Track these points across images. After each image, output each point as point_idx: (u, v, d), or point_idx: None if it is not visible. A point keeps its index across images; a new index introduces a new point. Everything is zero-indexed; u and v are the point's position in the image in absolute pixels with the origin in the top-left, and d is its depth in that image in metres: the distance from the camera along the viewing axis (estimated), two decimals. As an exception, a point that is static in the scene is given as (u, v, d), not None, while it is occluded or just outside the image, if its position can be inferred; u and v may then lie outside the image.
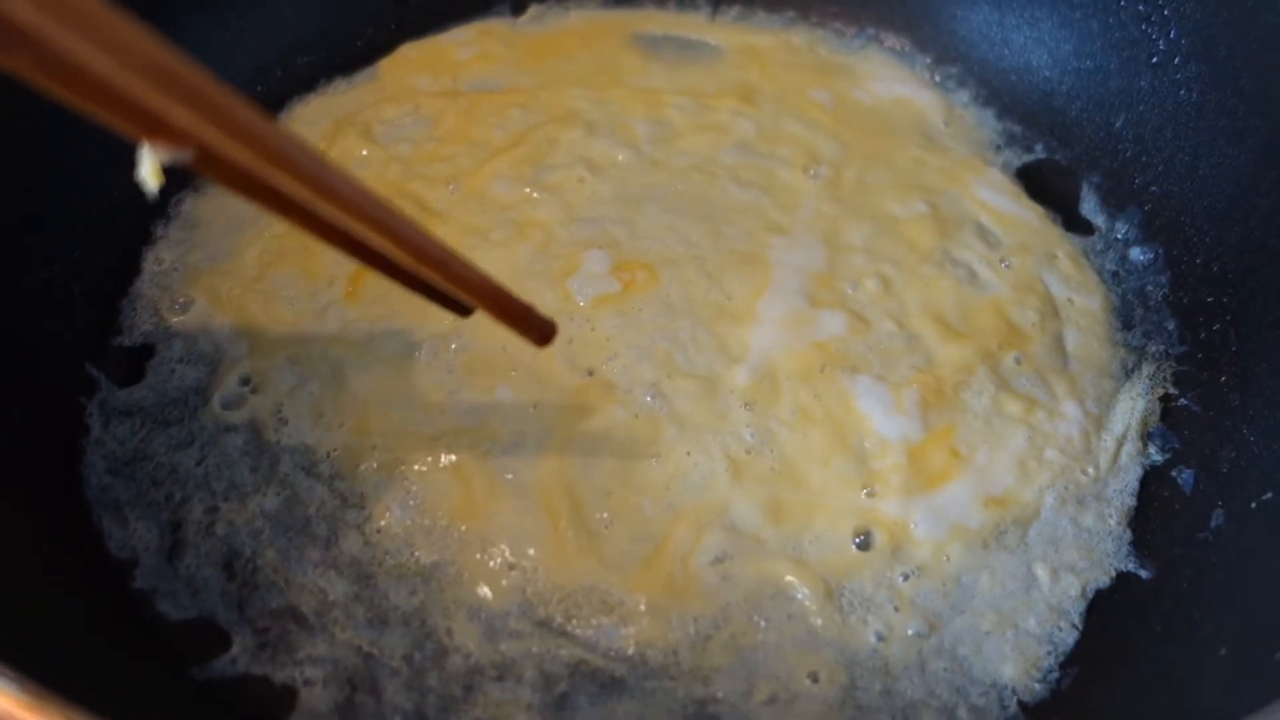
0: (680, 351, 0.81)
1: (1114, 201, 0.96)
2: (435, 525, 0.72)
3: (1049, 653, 0.69)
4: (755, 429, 0.77)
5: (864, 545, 0.72)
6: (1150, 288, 0.90)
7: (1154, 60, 0.93)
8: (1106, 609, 0.72)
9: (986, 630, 0.70)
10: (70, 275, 0.81)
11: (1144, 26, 0.94)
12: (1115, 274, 0.91)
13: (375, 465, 0.74)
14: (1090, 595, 0.72)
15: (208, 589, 0.70)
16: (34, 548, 0.67)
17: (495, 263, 0.86)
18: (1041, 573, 0.72)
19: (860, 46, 1.09)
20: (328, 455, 0.75)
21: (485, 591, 0.70)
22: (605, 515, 0.73)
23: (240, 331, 0.82)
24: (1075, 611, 0.71)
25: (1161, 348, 0.86)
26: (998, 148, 1.01)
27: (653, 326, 0.82)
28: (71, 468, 0.74)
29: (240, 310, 0.83)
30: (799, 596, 0.70)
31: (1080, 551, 0.74)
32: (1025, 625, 0.70)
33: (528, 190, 0.91)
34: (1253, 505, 0.72)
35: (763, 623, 0.69)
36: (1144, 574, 0.73)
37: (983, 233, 0.91)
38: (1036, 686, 0.68)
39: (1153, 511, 0.77)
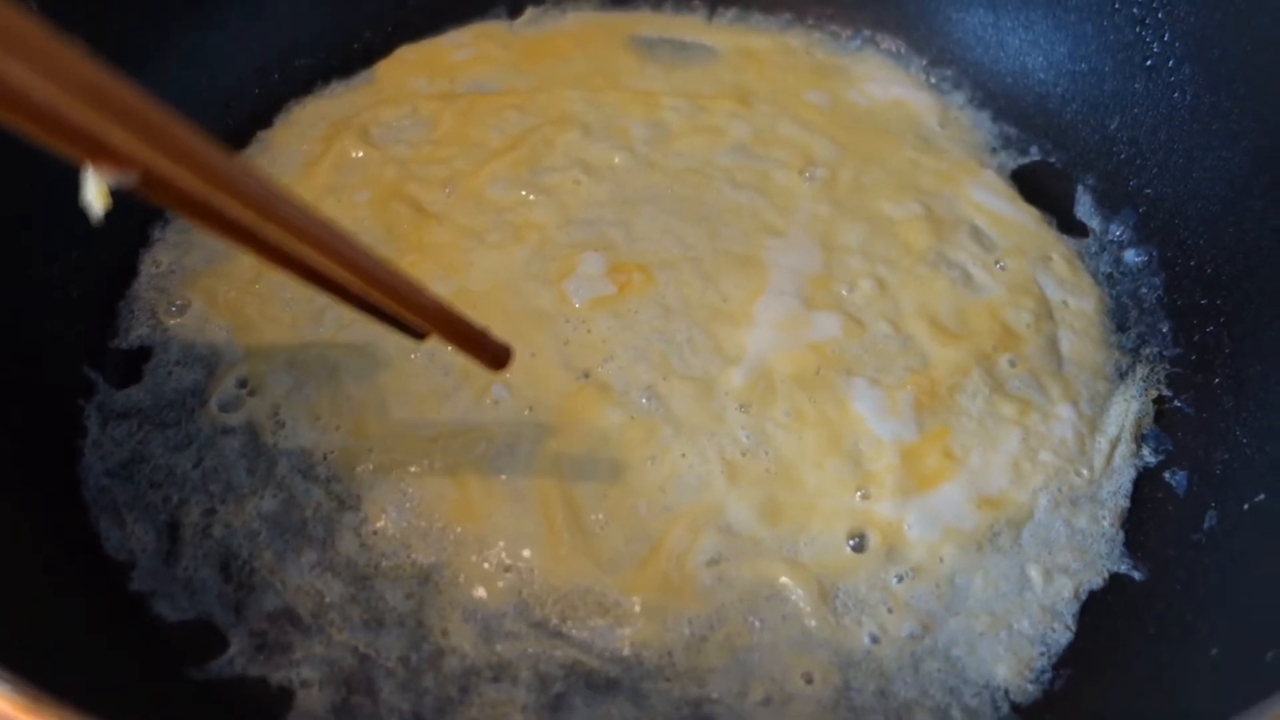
0: (676, 353, 0.81)
1: (1109, 204, 0.96)
2: (431, 527, 0.72)
3: (1042, 654, 0.70)
4: (751, 431, 0.77)
5: (858, 547, 0.73)
6: (1145, 290, 0.90)
7: (1148, 63, 0.94)
8: (1100, 610, 0.72)
9: (980, 631, 0.70)
10: (68, 277, 0.82)
11: (1138, 29, 0.94)
12: (1110, 276, 0.91)
13: (372, 467, 0.75)
14: (1083, 596, 0.72)
15: (205, 590, 0.70)
16: (31, 549, 0.67)
17: (491, 264, 0.86)
18: (1035, 574, 0.73)
19: (856, 49, 1.10)
20: (325, 457, 0.76)
21: (481, 593, 0.70)
22: (601, 517, 0.73)
23: (237, 334, 0.82)
24: (1068, 612, 0.71)
25: (1155, 350, 0.86)
26: (993, 150, 1.01)
27: (648, 328, 0.82)
28: (69, 469, 0.74)
29: (237, 313, 0.83)
30: (794, 598, 0.70)
31: (1074, 553, 0.74)
32: (1019, 626, 0.70)
33: (524, 192, 0.92)
34: (1245, 507, 0.72)
35: (758, 624, 0.69)
36: (1137, 575, 0.74)
37: (978, 235, 0.91)
38: (1029, 687, 0.68)
39: (1146, 513, 0.77)
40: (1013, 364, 0.82)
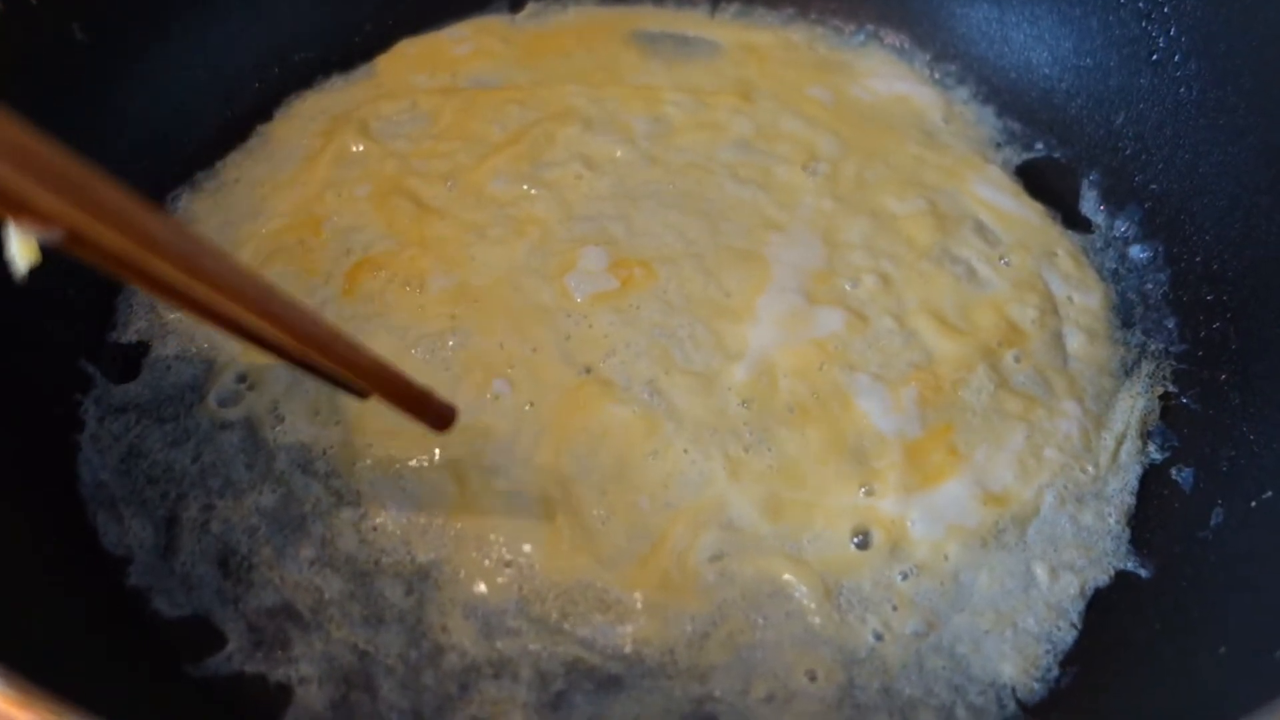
0: (678, 348, 0.80)
1: (1114, 199, 0.95)
2: (431, 523, 0.72)
3: (1048, 651, 0.69)
4: (753, 426, 0.76)
5: (862, 544, 0.72)
6: (1150, 285, 0.89)
7: (1154, 58, 0.93)
8: (1105, 607, 0.71)
9: (985, 629, 0.69)
10: (66, 272, 0.81)
11: (1144, 24, 0.94)
12: (1115, 272, 0.91)
13: (371, 463, 0.74)
14: (1089, 594, 0.72)
15: (203, 586, 0.70)
16: (28, 544, 0.67)
17: (492, 259, 0.86)
18: (1040, 571, 0.72)
19: (860, 43, 1.09)
20: (324, 452, 0.75)
21: (481, 589, 0.69)
22: (602, 512, 0.72)
23: (236, 328, 0.81)
24: (1074, 610, 0.71)
25: (1161, 346, 0.85)
26: (997, 145, 1.00)
27: (650, 323, 0.82)
28: (67, 464, 0.74)
29: (236, 307, 0.83)
30: (797, 595, 0.70)
31: (1079, 550, 0.73)
32: (1024, 624, 0.70)
33: (525, 187, 0.91)
34: (1252, 504, 0.71)
35: (760, 621, 0.69)
36: (1143, 572, 0.73)
37: (982, 230, 0.91)
38: (1035, 685, 0.68)
39: (1152, 510, 0.76)
40: (1017, 360, 0.82)
